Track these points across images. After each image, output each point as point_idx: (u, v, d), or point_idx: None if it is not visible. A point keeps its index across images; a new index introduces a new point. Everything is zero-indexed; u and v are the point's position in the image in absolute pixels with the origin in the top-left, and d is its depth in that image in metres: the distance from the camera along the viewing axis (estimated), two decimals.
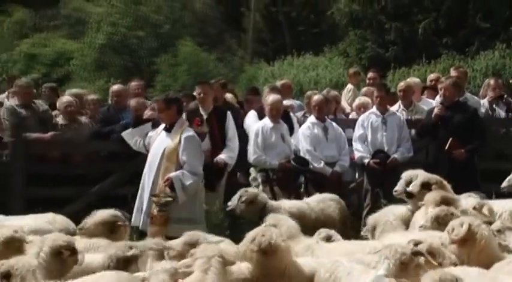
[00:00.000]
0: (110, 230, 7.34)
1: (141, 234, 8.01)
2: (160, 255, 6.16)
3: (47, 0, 47.72)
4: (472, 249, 5.91)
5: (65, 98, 12.23)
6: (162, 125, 8.47)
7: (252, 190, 9.33)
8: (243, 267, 5.94)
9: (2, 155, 11.25)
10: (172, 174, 7.87)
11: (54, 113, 12.40)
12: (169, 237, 7.22)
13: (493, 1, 28.65)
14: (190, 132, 8.38)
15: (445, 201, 7.75)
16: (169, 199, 7.74)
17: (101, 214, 7.48)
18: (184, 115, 8.92)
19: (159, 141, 8.20)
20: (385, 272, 4.98)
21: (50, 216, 8.20)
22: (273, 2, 37.70)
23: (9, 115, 11.27)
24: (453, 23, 28.27)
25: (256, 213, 8.75)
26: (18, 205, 10.37)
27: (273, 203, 9.07)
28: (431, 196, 7.93)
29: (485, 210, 7.80)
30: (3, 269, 5.12)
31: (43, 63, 32.13)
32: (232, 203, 9.19)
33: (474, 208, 7.81)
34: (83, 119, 12.21)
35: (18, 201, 10.47)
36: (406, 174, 9.08)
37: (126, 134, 9.01)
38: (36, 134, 11.35)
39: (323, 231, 7.84)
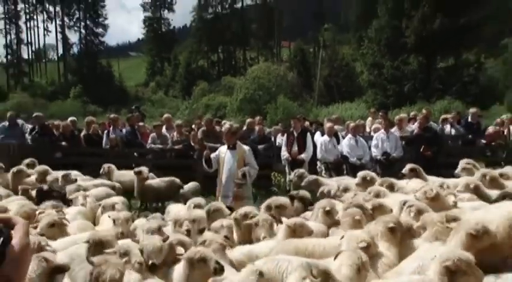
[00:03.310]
0: None
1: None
2: None
3: (215, 77, 48.96)
4: (436, 204, 5.60)
5: (227, 125, 12.16)
6: (225, 146, 7.70)
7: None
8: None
9: (193, 155, 10.99)
10: (244, 168, 7.35)
11: None
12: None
13: (443, 75, 28.92)
14: (248, 147, 7.79)
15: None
16: (243, 182, 7.25)
17: None
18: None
19: (229, 155, 7.51)
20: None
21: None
22: (329, 75, 37.54)
23: (201, 134, 11.14)
24: (423, 85, 28.29)
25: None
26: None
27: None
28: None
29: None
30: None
31: (212, 108, 32.68)
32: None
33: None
34: None
35: (199, 179, 9.87)
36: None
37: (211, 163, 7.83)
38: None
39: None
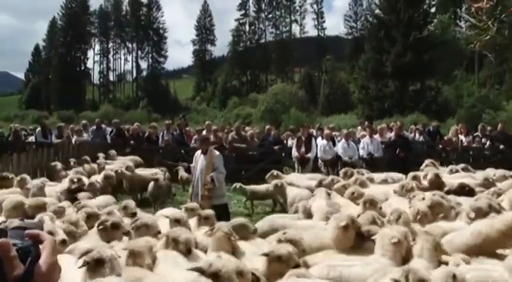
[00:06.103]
0: None
1: None
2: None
3: (244, 94, 48.25)
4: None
5: (249, 131, 12.00)
6: (199, 151, 6.58)
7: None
8: None
9: (224, 153, 10.48)
10: (212, 174, 6.15)
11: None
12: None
13: (413, 96, 28.39)
14: (217, 153, 6.59)
15: None
16: (212, 186, 6.10)
17: None
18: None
19: (202, 159, 6.35)
20: None
21: None
22: (329, 93, 36.93)
23: (231, 137, 10.94)
24: (398, 103, 27.64)
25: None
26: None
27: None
28: None
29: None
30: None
31: (241, 117, 32.08)
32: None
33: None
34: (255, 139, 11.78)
35: (228, 171, 9.66)
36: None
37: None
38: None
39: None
